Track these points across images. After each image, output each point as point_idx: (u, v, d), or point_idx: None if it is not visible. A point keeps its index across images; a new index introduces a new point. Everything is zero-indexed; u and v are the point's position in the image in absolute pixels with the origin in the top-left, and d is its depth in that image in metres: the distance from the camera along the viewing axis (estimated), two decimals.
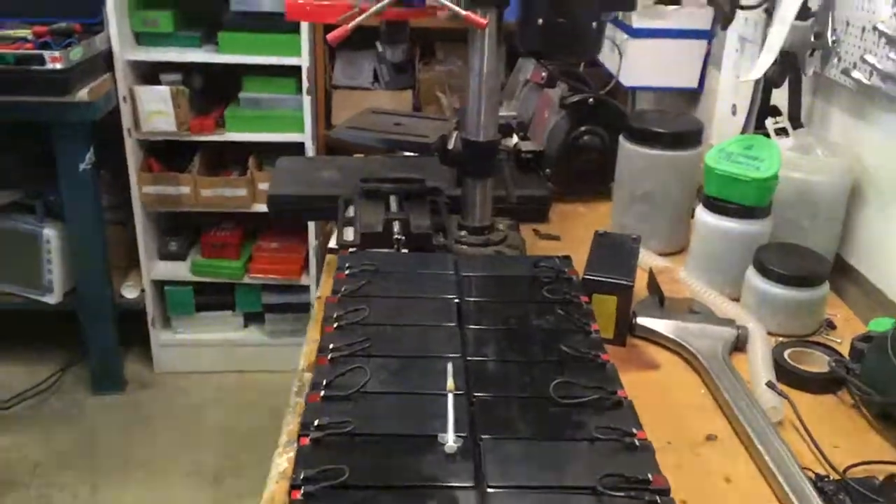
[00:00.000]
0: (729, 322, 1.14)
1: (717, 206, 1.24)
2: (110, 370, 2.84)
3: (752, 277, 1.18)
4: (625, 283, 1.11)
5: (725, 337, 1.11)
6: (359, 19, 1.11)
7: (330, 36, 1.10)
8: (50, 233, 2.67)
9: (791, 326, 1.16)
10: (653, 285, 1.24)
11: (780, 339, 1.14)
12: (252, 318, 3.04)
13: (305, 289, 2.92)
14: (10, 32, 2.35)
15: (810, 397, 1.02)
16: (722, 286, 1.24)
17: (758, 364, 1.05)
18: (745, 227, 1.22)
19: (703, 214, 1.27)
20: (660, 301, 1.19)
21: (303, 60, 2.56)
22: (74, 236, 2.62)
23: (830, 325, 1.18)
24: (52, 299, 2.72)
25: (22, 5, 2.46)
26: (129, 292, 2.88)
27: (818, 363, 1.07)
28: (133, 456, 2.57)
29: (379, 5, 1.12)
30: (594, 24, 1.18)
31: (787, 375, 1.04)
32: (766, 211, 1.23)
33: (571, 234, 1.50)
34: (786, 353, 1.08)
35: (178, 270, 2.90)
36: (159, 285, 2.91)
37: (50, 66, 2.22)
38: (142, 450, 2.60)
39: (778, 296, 1.15)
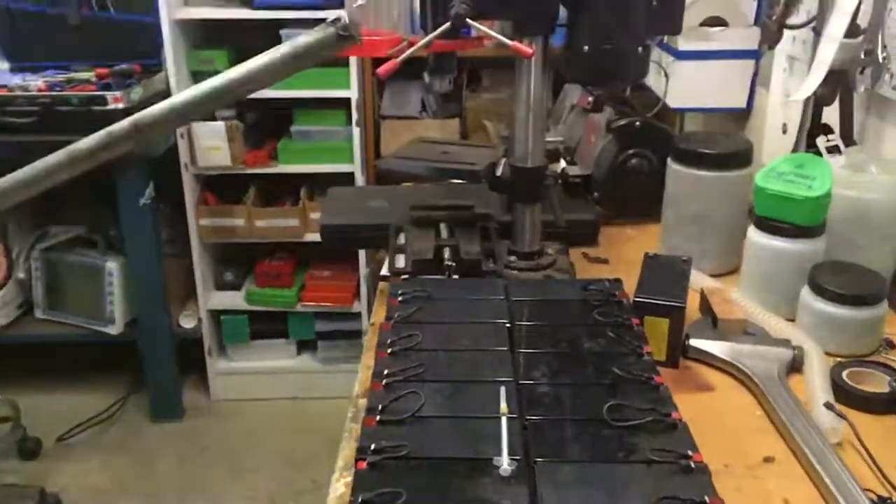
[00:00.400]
0: (784, 342, 1.13)
1: (770, 225, 1.23)
2: (169, 399, 2.91)
3: (808, 297, 1.16)
4: (676, 304, 1.10)
5: (781, 358, 1.09)
6: (408, 53, 1.14)
7: (380, 70, 1.13)
8: (112, 266, 2.77)
9: (849, 346, 1.14)
10: (705, 306, 1.24)
11: (838, 359, 1.12)
12: (305, 346, 3.09)
13: (357, 316, 2.95)
14: (75, 75, 2.47)
15: (870, 418, 1.00)
16: (776, 306, 1.23)
17: (815, 385, 1.03)
18: (798, 246, 1.21)
19: (754, 234, 1.26)
20: (713, 322, 1.18)
21: (352, 93, 2.62)
22: (135, 269, 2.70)
23: (890, 345, 1.16)
24: (113, 330, 2.81)
25: (86, 50, 2.57)
26: (187, 322, 2.95)
27: (878, 383, 1.05)
28: (191, 483, 2.62)
29: (427, 39, 1.14)
30: (640, 49, 1.19)
31: (845, 396, 1.02)
32: (819, 230, 1.21)
33: (621, 257, 1.50)
34: (844, 374, 1.06)
35: (234, 300, 2.96)
36: (215, 315, 2.98)
37: (112, 106, 2.32)
38: (200, 477, 2.65)
39: (835, 315, 1.13)
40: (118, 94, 2.33)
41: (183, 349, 2.92)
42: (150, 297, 2.73)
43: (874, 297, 1.13)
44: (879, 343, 1.16)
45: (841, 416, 0.97)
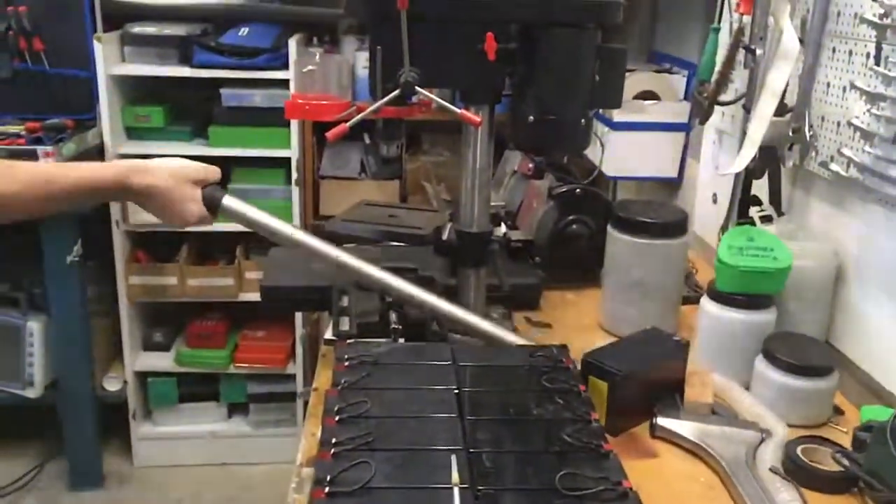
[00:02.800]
0: (753, 425, 1.12)
1: (727, 297, 1.26)
2: (89, 465, 2.76)
3: (763, 368, 1.18)
4: (614, 371, 1.09)
5: (749, 441, 1.08)
6: (357, 118, 1.16)
7: (329, 134, 1.14)
8: (33, 325, 2.64)
9: (804, 416, 1.16)
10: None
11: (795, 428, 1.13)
12: (236, 409, 2.99)
13: (291, 378, 2.89)
14: (4, 128, 2.39)
15: (825, 498, 1.01)
16: (731, 376, 1.24)
17: (765, 454, 1.04)
18: (754, 317, 1.25)
19: (711, 307, 1.28)
20: (680, 401, 1.16)
21: (292, 152, 2.61)
22: (58, 329, 2.59)
23: (838, 412, 1.19)
24: (32, 393, 2.66)
25: (17, 103, 2.50)
26: (112, 384, 2.82)
27: (827, 458, 1.05)
28: None
29: (376, 105, 1.16)
30: (582, 120, 1.23)
31: (801, 474, 1.02)
32: (772, 300, 1.25)
33: (562, 321, 1.52)
34: (798, 450, 1.05)
35: (162, 361, 2.86)
36: (142, 377, 2.87)
37: (43, 160, 2.25)
38: None
39: (792, 386, 1.15)
40: (49, 148, 2.27)
41: (105, 413, 2.79)
42: (73, 359, 2.61)
43: (826, 368, 1.16)
44: (831, 412, 1.18)
45: (786, 479, 0.98)
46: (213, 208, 1.22)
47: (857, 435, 1.03)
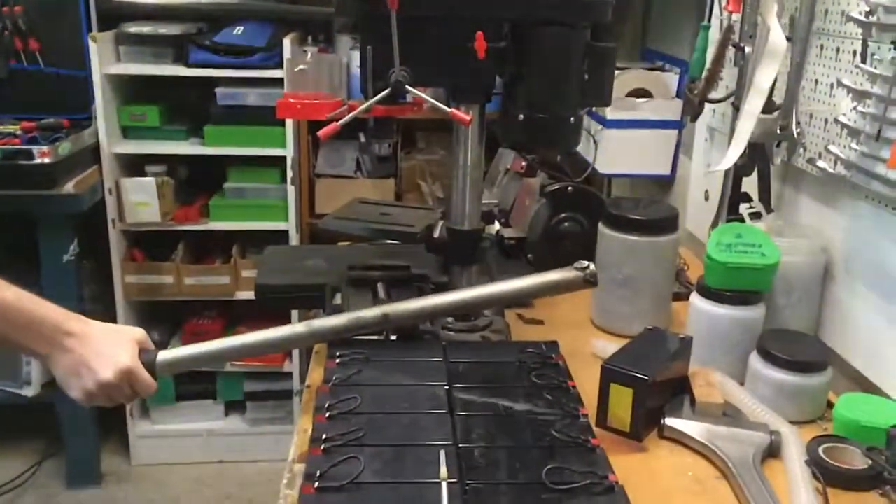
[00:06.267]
0: (762, 426, 1.10)
1: (716, 294, 1.26)
2: (87, 463, 2.77)
3: (758, 365, 1.18)
4: (641, 376, 1.06)
5: (758, 442, 1.07)
6: (348, 117, 1.17)
7: (321, 133, 1.15)
8: None
9: (800, 412, 1.15)
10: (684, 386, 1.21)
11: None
12: (233, 407, 3.00)
13: (288, 376, 2.90)
14: None
15: (853, 496, 1.00)
16: (720, 372, 1.25)
17: (796, 472, 1.01)
18: (744, 313, 1.25)
19: (701, 304, 1.28)
20: (691, 403, 1.16)
21: (287, 151, 2.62)
22: None
23: (829, 406, 1.18)
24: (29, 392, 2.67)
25: (12, 103, 2.51)
26: None
27: (854, 458, 1.04)
28: None
29: (367, 104, 1.17)
30: (572, 118, 1.24)
31: (827, 474, 1.00)
32: (760, 296, 1.26)
33: (554, 318, 1.53)
34: (820, 451, 1.04)
35: None
36: None
37: (38, 160, 2.26)
38: None
39: (791, 383, 1.15)
40: (45, 148, 2.27)
41: (103, 411, 2.79)
42: None
43: (822, 364, 1.16)
44: (825, 407, 1.18)
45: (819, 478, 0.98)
46: (150, 366, 1.10)
47: (891, 432, 1.01)
